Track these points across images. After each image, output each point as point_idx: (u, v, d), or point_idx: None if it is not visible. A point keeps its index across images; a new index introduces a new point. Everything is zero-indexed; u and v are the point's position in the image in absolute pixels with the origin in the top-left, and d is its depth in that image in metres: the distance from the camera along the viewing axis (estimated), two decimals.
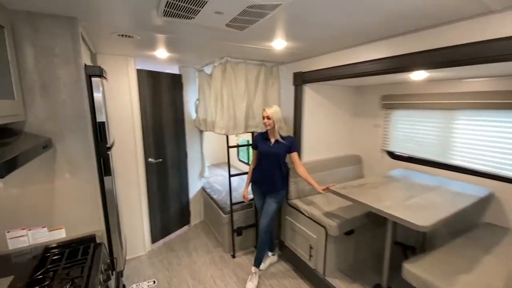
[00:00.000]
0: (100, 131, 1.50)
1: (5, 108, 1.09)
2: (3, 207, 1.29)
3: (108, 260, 1.47)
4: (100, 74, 1.47)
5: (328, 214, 2.11)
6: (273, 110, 2.10)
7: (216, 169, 4.31)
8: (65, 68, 1.33)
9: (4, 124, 1.18)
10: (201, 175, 3.47)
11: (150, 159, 2.74)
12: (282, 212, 2.63)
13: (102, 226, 1.53)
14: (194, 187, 3.39)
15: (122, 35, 1.65)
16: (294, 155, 2.18)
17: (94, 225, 1.51)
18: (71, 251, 1.35)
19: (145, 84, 2.66)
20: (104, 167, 1.54)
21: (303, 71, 2.43)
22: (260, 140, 2.29)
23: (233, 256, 2.74)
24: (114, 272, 1.65)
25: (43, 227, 1.39)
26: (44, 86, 1.30)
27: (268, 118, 2.11)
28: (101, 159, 1.53)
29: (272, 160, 2.20)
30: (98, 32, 1.59)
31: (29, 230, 1.36)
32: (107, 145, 1.54)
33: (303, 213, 2.30)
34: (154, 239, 2.92)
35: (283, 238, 2.66)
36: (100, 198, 1.50)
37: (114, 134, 2.45)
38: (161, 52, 2.23)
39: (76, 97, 1.37)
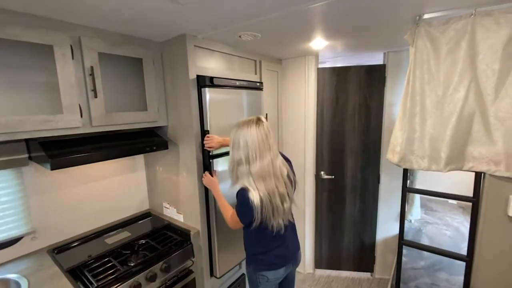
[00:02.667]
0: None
1: (141, 117, 1.53)
2: (161, 185, 1.87)
3: (190, 261, 1.56)
4: (207, 84, 1.49)
5: None
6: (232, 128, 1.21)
7: (457, 214, 2.58)
8: (180, 81, 1.53)
9: (150, 127, 1.66)
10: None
11: (322, 173, 2.33)
12: None
13: (199, 227, 1.63)
14: (387, 227, 2.33)
15: (240, 36, 1.50)
16: None
17: (195, 223, 1.66)
18: (169, 236, 1.61)
19: (326, 84, 2.23)
20: None
21: None
22: None
23: None
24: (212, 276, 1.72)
25: (174, 207, 1.80)
26: (174, 99, 1.61)
27: None
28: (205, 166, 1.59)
29: None
30: (223, 38, 1.59)
31: (171, 206, 1.83)
32: (210, 154, 1.56)
33: None
34: (317, 264, 2.52)
35: None
36: (198, 201, 1.60)
37: (285, 139, 2.40)
38: (318, 42, 1.71)
39: (186, 107, 1.53)
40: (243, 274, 2.01)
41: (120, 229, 1.68)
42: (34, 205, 1.43)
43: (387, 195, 2.28)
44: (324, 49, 1.92)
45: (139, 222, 1.80)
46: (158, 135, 1.66)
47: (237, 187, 1.19)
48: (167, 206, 1.85)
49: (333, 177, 2.31)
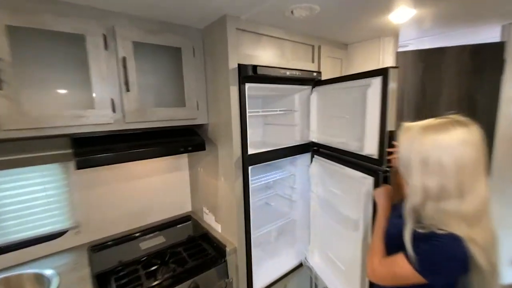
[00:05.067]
0: (243, 142, 1.31)
1: (179, 114, 1.37)
2: (202, 188, 1.71)
3: (224, 282, 1.34)
4: (250, 74, 1.22)
5: None
6: (407, 136, 0.79)
7: None
8: (220, 72, 1.31)
9: (189, 125, 1.50)
10: None
11: None
12: None
13: (235, 243, 1.39)
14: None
15: (292, 12, 1.19)
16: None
17: (232, 237, 1.43)
18: (203, 249, 1.43)
19: (408, 73, 1.70)
20: (244, 182, 1.34)
21: None
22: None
23: None
24: None
25: (213, 215, 1.61)
26: (214, 94, 1.41)
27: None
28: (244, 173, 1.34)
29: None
30: (271, 18, 1.30)
31: (210, 212, 1.65)
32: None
33: None
34: None
35: None
36: (236, 213, 1.36)
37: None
38: (402, 12, 1.25)
39: (225, 102, 1.30)
40: None
41: (157, 232, 1.58)
42: (78, 200, 1.43)
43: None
44: (407, 23, 1.43)
45: (178, 226, 1.68)
46: (197, 134, 1.49)
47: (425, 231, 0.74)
48: (207, 212, 1.69)
49: None
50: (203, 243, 1.48)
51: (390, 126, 1.07)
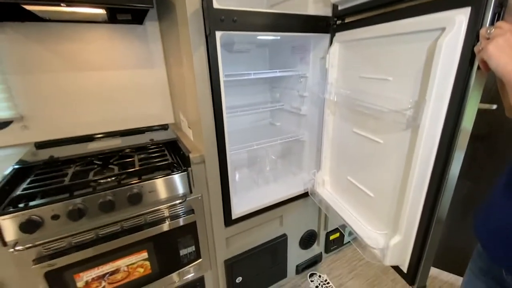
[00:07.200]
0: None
1: None
2: (174, 88, 1.29)
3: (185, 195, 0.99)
4: None
5: None
6: None
7: None
8: None
9: None
10: None
11: None
12: None
13: (202, 151, 1.00)
14: None
15: None
16: None
17: (200, 143, 1.03)
18: (163, 155, 1.06)
19: None
20: (209, 54, 0.86)
21: None
22: None
23: None
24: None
25: (186, 120, 1.22)
26: None
27: None
28: None
29: None
30: None
31: (184, 117, 1.26)
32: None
33: None
34: None
35: None
36: (197, 106, 0.92)
37: None
38: None
39: None
40: (285, 235, 1.35)
41: (117, 137, 1.26)
42: (17, 86, 1.14)
43: None
44: None
45: (146, 132, 1.34)
46: None
47: None
48: (183, 118, 1.30)
49: None
50: (167, 150, 1.12)
51: None
